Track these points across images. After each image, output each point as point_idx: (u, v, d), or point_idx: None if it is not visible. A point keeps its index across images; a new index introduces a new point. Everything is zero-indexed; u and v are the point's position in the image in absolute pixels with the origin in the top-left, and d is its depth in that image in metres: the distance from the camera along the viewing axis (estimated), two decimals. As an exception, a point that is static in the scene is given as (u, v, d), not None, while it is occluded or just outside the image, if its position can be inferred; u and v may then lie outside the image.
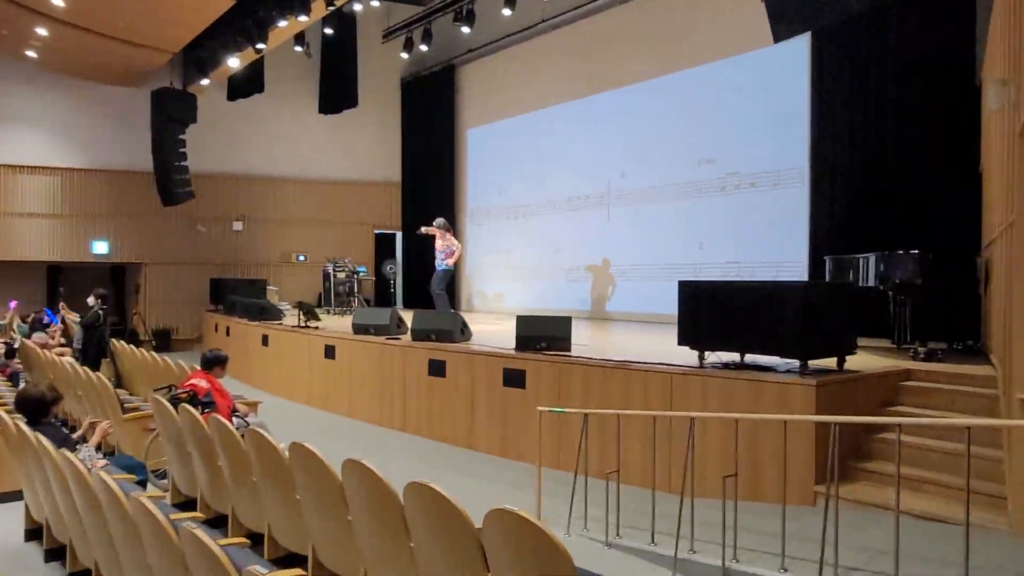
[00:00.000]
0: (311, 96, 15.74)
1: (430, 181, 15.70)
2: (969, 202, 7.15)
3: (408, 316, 8.50)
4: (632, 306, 11.47)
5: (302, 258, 15.89)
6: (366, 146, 16.31)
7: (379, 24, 15.49)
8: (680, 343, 5.47)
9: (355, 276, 13.06)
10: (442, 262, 9.96)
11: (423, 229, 10.44)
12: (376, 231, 16.71)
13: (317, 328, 9.52)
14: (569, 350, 6.45)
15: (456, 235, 13.37)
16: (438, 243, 10.12)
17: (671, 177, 10.95)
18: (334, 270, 13.00)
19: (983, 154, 6.68)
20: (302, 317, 9.71)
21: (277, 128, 15.56)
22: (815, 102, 8.95)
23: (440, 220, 10.49)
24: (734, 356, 5.47)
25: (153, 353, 7.43)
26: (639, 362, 5.68)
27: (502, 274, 14.18)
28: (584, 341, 7.54)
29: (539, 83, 13.29)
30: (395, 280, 14.10)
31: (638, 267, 11.46)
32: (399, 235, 16.79)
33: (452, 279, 11.31)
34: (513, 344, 6.75)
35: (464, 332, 7.61)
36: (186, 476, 4.21)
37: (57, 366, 6.97)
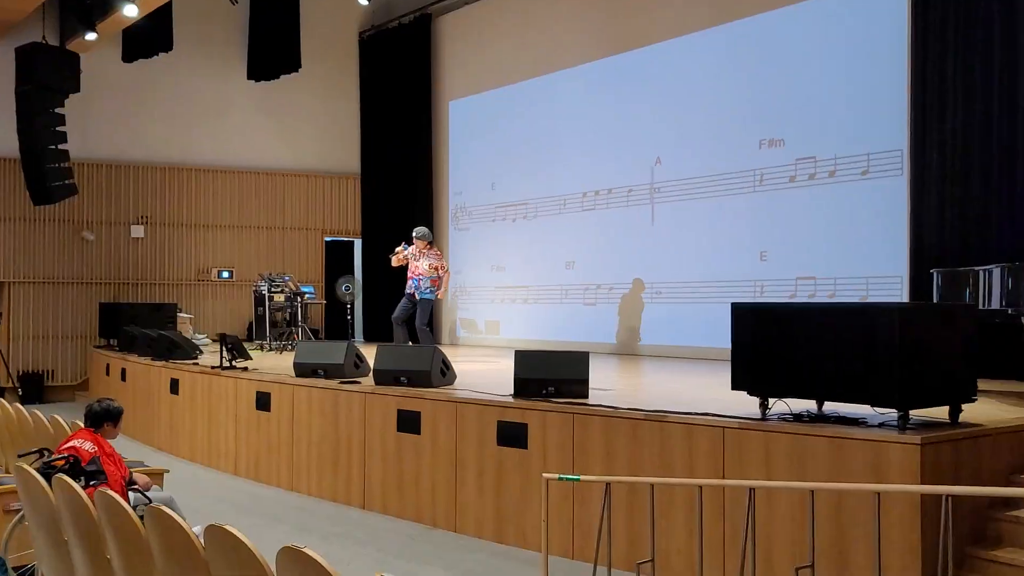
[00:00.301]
0: (237, 57, 15.87)
1: (398, 171, 15.80)
2: None
3: (370, 352, 8.48)
4: (670, 337, 11.58)
5: (226, 275, 15.98)
6: (312, 124, 16.48)
7: (329, -42, 15.76)
8: (735, 387, 5.47)
9: (298, 299, 13.15)
10: (427, 289, 10.44)
11: (397, 254, 10.67)
12: (327, 238, 16.82)
13: (247, 369, 9.54)
14: (586, 396, 6.48)
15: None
16: (419, 263, 10.54)
17: (724, 164, 11.07)
18: (270, 291, 13.12)
19: None
20: (226, 355, 9.74)
21: (191, 100, 15.63)
22: (918, 62, 8.93)
23: (422, 230, 10.76)
24: (808, 404, 5.54)
25: (18, 405, 7.30)
26: (680, 412, 5.70)
27: (495, 295, 14.28)
28: (606, 384, 7.63)
29: (544, 39, 13.41)
30: (353, 305, 14.31)
31: (679, 286, 11.58)
32: (358, 243, 16.95)
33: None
34: (511, 389, 6.82)
35: (445, 373, 7.65)
36: (62, 573, 4.13)
37: None
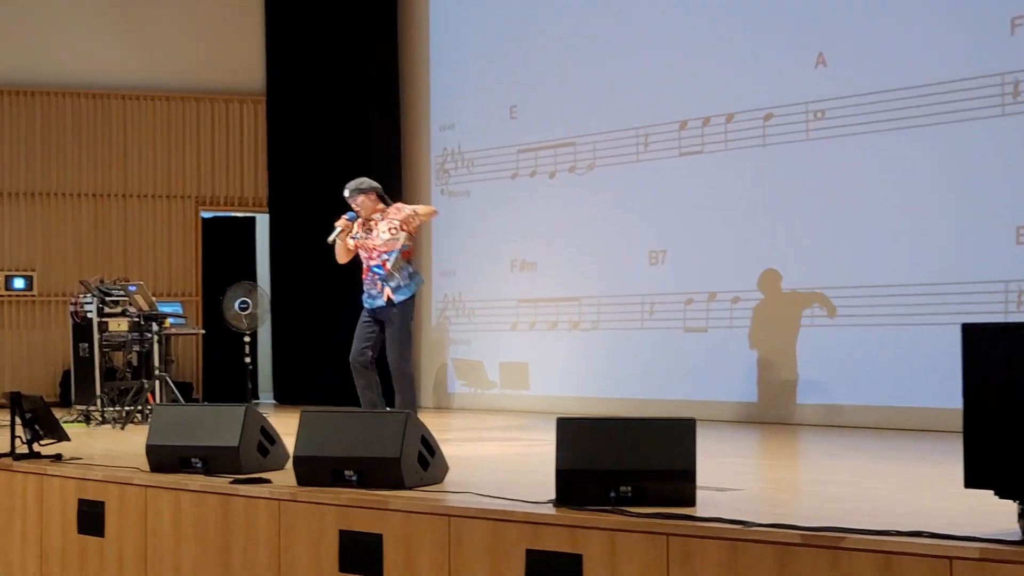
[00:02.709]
0: None
1: (336, 88, 16.18)
2: None
3: (287, 423, 8.51)
4: (848, 387, 11.75)
5: (20, 284, 16.17)
6: (179, 5, 16.80)
7: None
8: (971, 482, 5.22)
9: (154, 326, 13.18)
10: (400, 282, 10.63)
11: (342, 232, 10.69)
12: (206, 213, 17.07)
13: (59, 459, 9.17)
14: (692, 501, 6.20)
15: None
16: (372, 237, 10.70)
17: (957, 67, 11.14)
18: (102, 313, 13.33)
19: None
20: (22, 433, 9.37)
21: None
22: None
23: (363, 181, 10.85)
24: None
25: None
26: (872, 532, 5.39)
27: (520, 316, 14.60)
28: (730, 477, 7.76)
29: None
30: (254, 337, 14.49)
31: (865, 293, 11.64)
32: (261, 222, 17.48)
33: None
34: (549, 490, 6.49)
35: (428, 463, 7.42)
36: None
37: None
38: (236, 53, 17.01)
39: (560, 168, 13.98)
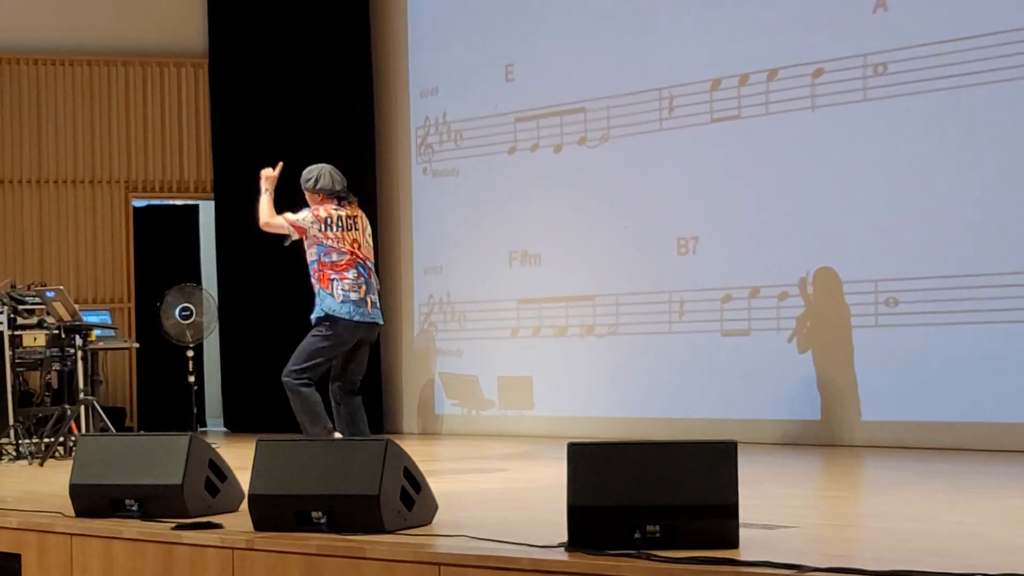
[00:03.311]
0: None
1: (293, 47, 16.31)
2: None
3: (241, 455, 8.62)
4: (914, 404, 11.77)
5: None
6: None
7: None
8: None
9: (77, 340, 13.14)
10: (345, 292, 10.77)
11: (283, 223, 11.02)
12: (138, 201, 17.22)
13: None
14: (735, 544, 6.21)
15: (374, 201, 14.79)
16: (360, 228, 10.96)
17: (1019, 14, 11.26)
18: (13, 325, 13.36)
19: None
20: None
21: None
22: None
23: (315, 169, 11.16)
24: None
25: None
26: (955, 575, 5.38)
27: (521, 319, 14.66)
28: (781, 512, 7.68)
29: None
30: (200, 351, 15.00)
31: (929, 285, 11.71)
32: (205, 210, 17.63)
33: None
34: (559, 532, 6.50)
35: (412, 500, 7.37)
36: None
37: None
38: (172, 6, 16.97)
39: (567, 140, 13.92)
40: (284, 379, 10.88)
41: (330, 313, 10.61)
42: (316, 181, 10.85)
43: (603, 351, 13.72)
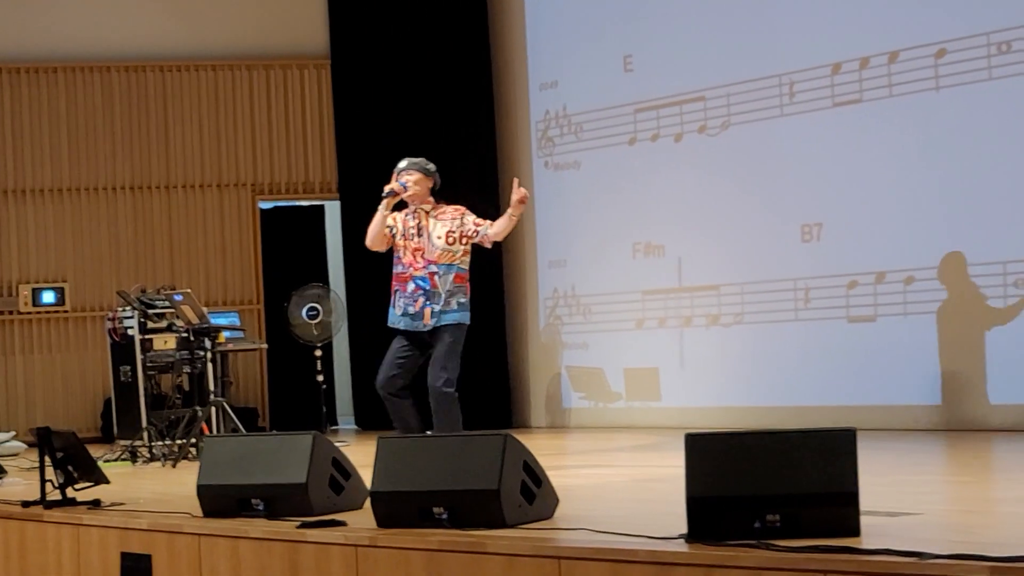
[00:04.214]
0: None
1: (413, 48, 16.21)
2: None
3: (370, 452, 8.16)
4: None
5: (50, 298, 16.38)
6: None
7: None
8: None
9: (206, 342, 13.17)
10: (452, 300, 10.67)
11: (388, 192, 10.81)
12: (264, 203, 17.30)
13: (98, 505, 9.08)
14: (857, 532, 6.17)
15: (497, 196, 14.46)
16: (423, 238, 10.72)
17: None
18: (144, 329, 13.49)
19: None
20: (53, 476, 9.28)
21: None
22: None
23: (428, 162, 10.86)
24: None
25: None
26: None
27: (646, 311, 14.60)
28: (907, 498, 7.62)
29: None
30: (329, 349, 15.06)
31: None
32: (331, 211, 17.66)
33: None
34: (680, 523, 6.45)
35: (533, 495, 7.36)
36: None
37: None
38: (293, 9, 17.09)
39: (688, 129, 13.88)
40: (449, 391, 10.61)
41: (467, 319, 10.65)
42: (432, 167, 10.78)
43: (729, 340, 13.73)
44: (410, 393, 10.86)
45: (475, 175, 15.05)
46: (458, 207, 10.84)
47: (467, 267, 10.66)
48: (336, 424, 16.62)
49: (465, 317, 10.62)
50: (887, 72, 12.43)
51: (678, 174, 14.00)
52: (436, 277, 10.54)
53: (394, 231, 10.73)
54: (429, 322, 10.54)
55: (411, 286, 10.61)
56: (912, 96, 12.28)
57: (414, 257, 10.59)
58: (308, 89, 17.12)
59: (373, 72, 16.54)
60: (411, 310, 10.58)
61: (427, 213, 10.64)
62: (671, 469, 9.44)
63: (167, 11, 16.78)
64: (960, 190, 12.10)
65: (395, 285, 10.79)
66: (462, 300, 10.59)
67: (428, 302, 10.55)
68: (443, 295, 10.57)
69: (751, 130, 13.46)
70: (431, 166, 10.74)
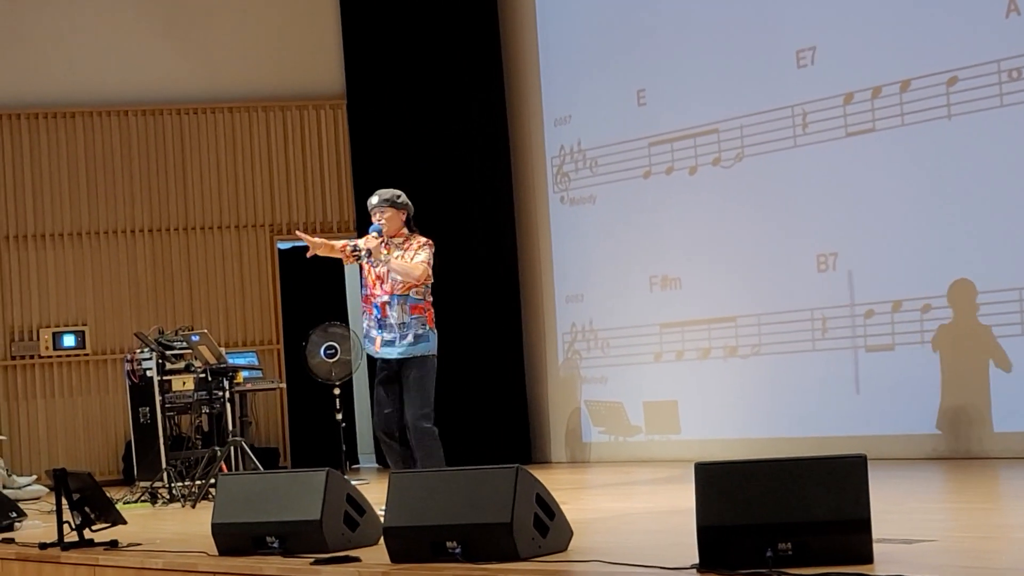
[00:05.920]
0: None
1: (427, 85, 16.29)
2: None
3: (382, 491, 8.24)
4: None
5: (71, 342, 16.41)
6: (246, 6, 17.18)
7: None
8: None
9: (224, 382, 13.18)
10: (412, 332, 10.68)
11: (364, 252, 10.79)
12: (284, 244, 17.30)
13: (115, 545, 9.13)
14: (870, 559, 6.21)
15: (513, 232, 14.82)
16: (379, 268, 10.79)
17: None
18: (163, 370, 13.45)
19: None
20: (71, 518, 9.36)
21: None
22: None
23: (399, 194, 10.90)
24: None
25: None
26: None
27: (664, 343, 14.62)
28: (919, 525, 7.76)
29: None
30: (350, 386, 15.18)
31: None
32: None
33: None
34: (694, 555, 6.46)
35: (547, 528, 7.40)
36: None
37: None
38: (308, 50, 17.14)
39: (702, 161, 13.86)
40: (428, 427, 10.65)
41: (434, 350, 10.67)
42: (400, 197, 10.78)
43: (748, 372, 13.73)
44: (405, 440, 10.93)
45: (491, 212, 15.13)
46: (426, 241, 10.80)
47: (424, 297, 10.61)
48: (357, 462, 16.63)
49: (426, 348, 10.58)
50: (899, 101, 12.42)
51: (693, 207, 14.01)
52: (388, 307, 10.58)
53: (371, 261, 10.73)
54: (379, 349, 10.58)
55: (373, 310, 10.71)
56: (924, 124, 12.26)
57: (374, 284, 10.68)
58: (324, 129, 17.16)
59: (389, 111, 16.62)
60: (372, 334, 10.66)
61: (397, 245, 10.66)
62: (688, 501, 9.68)
63: (183, 54, 16.94)
64: (973, 217, 12.04)
65: (362, 307, 10.96)
66: (420, 332, 10.56)
67: (380, 330, 10.62)
68: (395, 326, 10.59)
69: (765, 161, 13.46)
70: (402, 198, 10.73)
